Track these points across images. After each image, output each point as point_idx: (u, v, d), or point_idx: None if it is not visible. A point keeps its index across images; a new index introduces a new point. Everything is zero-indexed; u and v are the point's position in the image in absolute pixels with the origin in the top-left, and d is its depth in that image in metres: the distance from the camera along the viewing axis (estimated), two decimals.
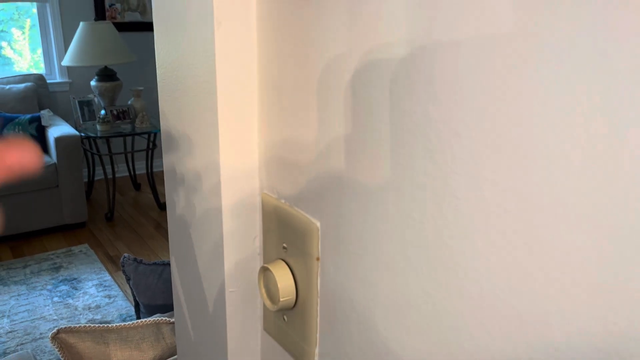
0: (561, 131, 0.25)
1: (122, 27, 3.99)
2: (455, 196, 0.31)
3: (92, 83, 3.64)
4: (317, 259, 0.43)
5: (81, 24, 3.50)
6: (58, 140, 3.41)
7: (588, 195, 0.24)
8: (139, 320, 1.17)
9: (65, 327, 1.11)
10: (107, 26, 3.52)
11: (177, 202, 0.58)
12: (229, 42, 0.45)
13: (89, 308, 2.65)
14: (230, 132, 0.47)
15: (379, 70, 0.34)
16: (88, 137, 3.58)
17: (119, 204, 3.87)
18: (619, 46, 0.22)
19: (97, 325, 1.13)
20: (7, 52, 4.06)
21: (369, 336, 0.40)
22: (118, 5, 4.16)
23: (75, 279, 2.91)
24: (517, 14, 0.26)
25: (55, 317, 2.56)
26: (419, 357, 0.35)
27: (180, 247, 0.60)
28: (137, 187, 4.10)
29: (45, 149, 3.61)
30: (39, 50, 4.12)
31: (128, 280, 1.57)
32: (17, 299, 2.70)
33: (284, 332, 0.49)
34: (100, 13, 4.10)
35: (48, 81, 4.02)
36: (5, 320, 2.53)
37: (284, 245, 0.46)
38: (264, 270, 0.47)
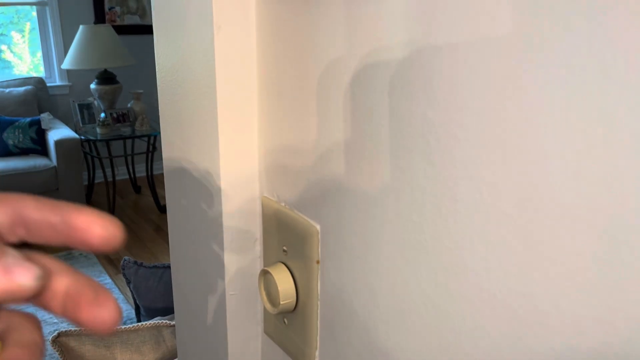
0: (560, 134, 0.25)
1: (121, 30, 4.00)
2: (455, 199, 0.31)
3: (92, 86, 3.64)
4: (317, 262, 0.43)
5: (81, 27, 3.50)
6: (58, 143, 3.42)
7: (587, 198, 0.24)
8: (140, 324, 1.17)
9: (65, 331, 1.11)
10: (106, 29, 3.53)
11: (177, 205, 0.58)
12: (229, 46, 0.45)
13: None
14: (230, 136, 0.47)
15: (378, 74, 0.34)
16: (88, 140, 3.58)
17: (119, 206, 3.87)
18: (616, 49, 0.22)
19: (97, 333, 1.13)
20: (7, 55, 4.07)
21: (370, 339, 0.40)
22: (117, 9, 4.17)
23: None
24: (515, 17, 0.26)
25: (55, 320, 2.56)
26: (420, 359, 0.36)
27: (180, 251, 0.60)
28: (137, 189, 4.10)
29: (45, 152, 3.61)
30: (39, 54, 4.12)
31: (128, 283, 1.57)
32: None
33: (284, 335, 0.49)
34: (99, 16, 4.11)
35: (48, 84, 4.02)
36: None
37: (284, 248, 0.46)
38: (265, 274, 0.47)
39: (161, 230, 3.54)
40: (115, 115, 3.64)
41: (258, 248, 0.51)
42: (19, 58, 4.13)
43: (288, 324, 0.48)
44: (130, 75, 4.02)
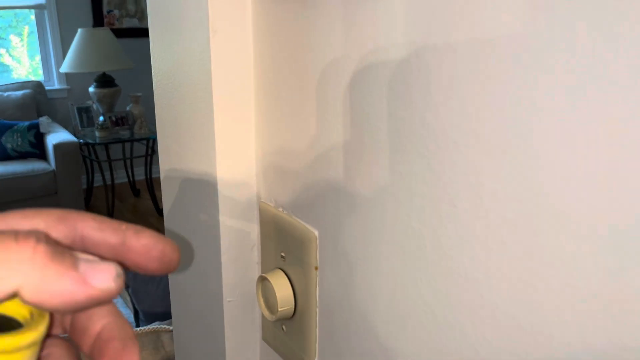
0: (560, 138, 0.24)
1: (120, 33, 3.99)
2: (454, 205, 0.30)
3: (91, 89, 3.64)
4: (316, 268, 0.43)
5: (79, 30, 3.50)
6: (57, 147, 3.41)
7: (589, 203, 0.24)
8: (138, 329, 1.16)
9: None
10: (105, 32, 3.52)
11: (174, 210, 0.57)
12: (225, 50, 0.45)
13: None
14: (227, 140, 0.47)
15: (376, 78, 0.34)
16: (87, 144, 3.58)
17: (118, 210, 3.86)
18: (618, 52, 0.22)
19: None
20: (6, 59, 4.07)
21: (369, 346, 0.39)
22: (116, 12, 4.17)
23: None
24: (515, 21, 0.25)
25: None
26: None
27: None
28: (136, 193, 4.10)
29: (43, 156, 3.61)
30: (37, 57, 4.12)
31: (127, 287, 1.56)
32: None
33: (283, 342, 0.49)
34: (98, 19, 4.11)
35: (46, 88, 4.02)
36: None
37: (282, 254, 0.46)
38: (262, 280, 0.46)
39: (160, 234, 3.52)
40: (114, 118, 3.64)
41: (256, 254, 0.51)
42: (18, 62, 4.13)
43: (286, 331, 0.47)
44: (129, 78, 4.02)
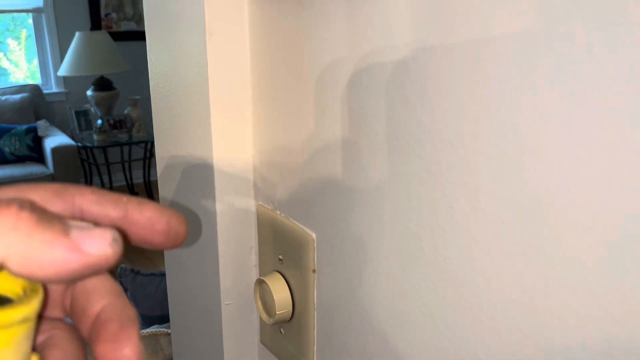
0: (558, 139, 0.24)
1: (118, 36, 3.99)
2: (452, 207, 0.30)
3: (89, 93, 3.63)
4: (314, 270, 0.43)
5: (77, 34, 3.49)
6: (55, 150, 3.40)
7: (587, 204, 0.24)
8: None
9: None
10: (103, 36, 3.52)
11: None
12: (222, 52, 0.44)
13: None
14: (224, 143, 0.47)
15: (372, 79, 0.33)
16: (85, 147, 3.57)
17: None
18: (616, 52, 0.22)
19: None
20: (3, 62, 4.06)
21: (367, 349, 0.39)
22: (114, 15, 4.17)
23: None
24: (511, 22, 0.25)
25: None
26: None
27: (175, 259, 0.59)
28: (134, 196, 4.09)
29: (41, 159, 3.60)
30: (35, 61, 4.12)
31: (125, 291, 1.56)
32: None
33: (281, 345, 0.48)
34: (96, 23, 4.11)
35: (44, 91, 4.01)
36: None
37: (280, 257, 0.46)
38: (260, 283, 0.46)
39: None
40: (112, 121, 3.63)
41: (253, 257, 0.50)
42: (15, 65, 4.12)
43: (285, 334, 0.47)
44: (127, 81, 4.02)
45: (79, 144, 3.55)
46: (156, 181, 0.58)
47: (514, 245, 0.27)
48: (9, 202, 0.16)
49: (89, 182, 3.92)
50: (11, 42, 4.08)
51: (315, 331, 0.44)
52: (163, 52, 0.52)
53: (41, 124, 3.60)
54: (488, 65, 0.26)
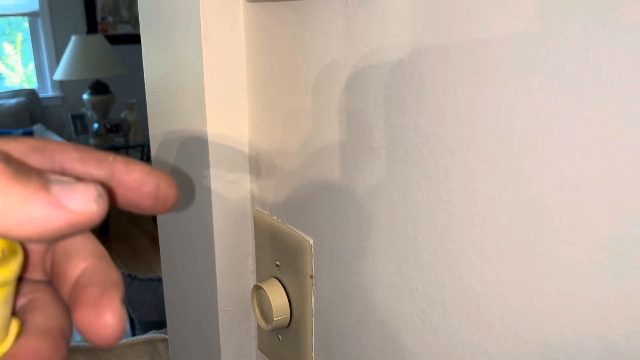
0: (555, 144, 0.24)
1: (114, 39, 3.99)
2: (450, 212, 0.30)
3: (85, 97, 3.63)
4: (311, 276, 0.42)
5: (73, 37, 3.49)
6: None
7: (585, 208, 0.23)
8: (134, 338, 1.15)
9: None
10: (99, 39, 3.52)
11: (168, 219, 0.57)
12: (217, 56, 0.44)
13: None
14: (221, 148, 0.46)
15: (369, 84, 0.33)
16: None
17: (113, 217, 3.84)
18: (612, 53, 0.21)
19: (91, 344, 1.11)
20: None
21: (365, 355, 0.39)
22: (110, 18, 4.17)
23: None
24: (506, 26, 0.25)
25: None
26: None
27: (172, 265, 0.59)
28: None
29: None
30: (31, 65, 4.11)
31: None
32: None
33: (278, 352, 0.48)
34: (92, 26, 4.10)
35: (40, 95, 4.00)
36: None
37: (277, 263, 0.45)
38: (258, 289, 0.46)
39: (156, 241, 3.49)
40: (108, 125, 3.63)
41: (250, 263, 0.50)
42: (11, 69, 4.11)
43: (282, 340, 0.47)
44: (123, 85, 4.01)
45: None
46: None
47: (511, 250, 0.27)
48: None
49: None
50: (7, 46, 4.07)
51: (313, 337, 0.44)
52: (158, 57, 0.52)
53: (37, 129, 3.60)
54: (485, 70, 0.26)
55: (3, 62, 4.08)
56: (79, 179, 0.16)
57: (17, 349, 0.16)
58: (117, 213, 3.92)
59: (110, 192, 0.18)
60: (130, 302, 1.52)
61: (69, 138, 3.71)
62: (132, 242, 3.53)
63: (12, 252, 0.17)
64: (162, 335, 1.16)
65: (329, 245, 0.40)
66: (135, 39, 4.21)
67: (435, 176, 0.30)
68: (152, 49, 0.52)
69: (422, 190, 0.31)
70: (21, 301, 0.18)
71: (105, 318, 0.16)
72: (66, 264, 0.18)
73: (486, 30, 0.26)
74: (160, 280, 1.50)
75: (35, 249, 0.19)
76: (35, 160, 0.17)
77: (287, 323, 0.45)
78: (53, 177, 0.15)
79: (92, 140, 3.54)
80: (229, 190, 0.48)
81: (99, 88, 3.60)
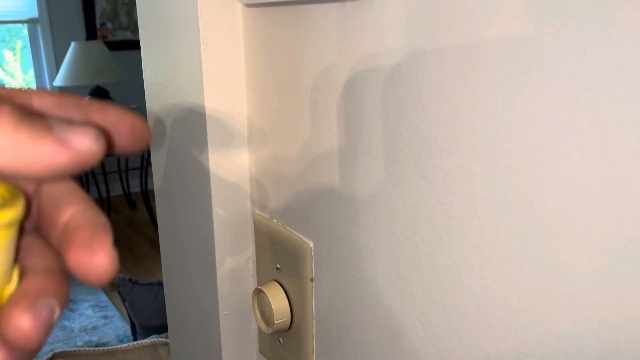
0: (553, 145, 0.24)
1: (113, 46, 4.00)
2: (448, 215, 0.30)
3: None
4: (311, 279, 0.42)
5: (72, 44, 3.50)
6: None
7: (584, 211, 0.24)
8: (135, 342, 1.16)
9: (60, 352, 1.09)
10: (98, 45, 3.53)
11: (168, 224, 0.57)
12: (216, 62, 0.44)
13: (85, 330, 2.61)
14: (220, 152, 0.46)
15: (367, 87, 0.34)
16: None
17: (114, 222, 3.84)
18: (608, 55, 0.22)
19: (92, 349, 1.12)
20: None
21: (366, 357, 0.39)
22: (109, 24, 4.18)
23: (71, 300, 2.87)
24: (504, 29, 0.25)
25: (50, 340, 2.53)
26: None
27: (173, 269, 0.59)
28: (132, 205, 4.08)
29: None
30: (31, 72, 4.11)
31: (123, 301, 1.55)
32: None
33: (280, 355, 0.48)
34: (91, 33, 4.11)
35: None
36: None
37: (278, 266, 0.46)
38: (258, 293, 0.46)
39: (157, 246, 3.50)
40: None
41: (251, 266, 0.50)
42: (11, 76, 4.12)
43: (283, 343, 0.47)
44: (123, 90, 4.02)
45: None
46: (153, 189, 0.58)
47: (510, 252, 0.27)
48: None
49: (86, 191, 3.90)
50: (6, 53, 4.08)
51: (313, 340, 0.44)
52: (158, 62, 0.52)
53: None
54: (481, 72, 0.27)
55: (3, 69, 4.09)
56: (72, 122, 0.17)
57: (25, 286, 0.17)
58: (117, 218, 3.92)
59: None
60: (131, 307, 1.52)
61: None
62: (133, 247, 3.53)
63: (13, 196, 0.17)
64: (164, 340, 1.16)
65: (329, 248, 0.40)
66: (134, 45, 4.22)
67: (433, 179, 0.30)
68: (152, 55, 0.53)
69: (421, 192, 0.31)
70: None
71: (99, 258, 0.17)
72: (54, 210, 0.19)
73: (482, 33, 0.26)
74: (161, 284, 1.50)
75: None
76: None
77: (288, 326, 0.45)
78: (52, 121, 0.16)
79: None
80: (229, 194, 0.48)
81: (99, 94, 3.60)
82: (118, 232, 3.71)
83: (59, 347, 2.37)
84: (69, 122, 0.16)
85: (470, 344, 0.30)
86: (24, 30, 4.06)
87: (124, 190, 4.03)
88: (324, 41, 0.36)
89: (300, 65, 0.39)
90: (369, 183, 0.35)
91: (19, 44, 4.11)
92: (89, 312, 2.77)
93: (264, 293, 0.45)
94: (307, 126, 0.40)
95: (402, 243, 0.34)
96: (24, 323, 0.16)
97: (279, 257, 0.45)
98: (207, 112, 0.45)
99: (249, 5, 0.43)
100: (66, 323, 2.67)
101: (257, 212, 0.48)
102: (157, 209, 0.58)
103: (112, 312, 2.75)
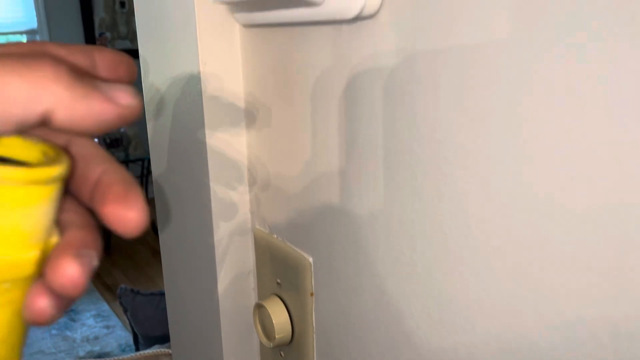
0: (545, 167, 0.25)
1: None
2: (444, 233, 0.31)
3: None
4: (312, 294, 0.43)
5: None
6: None
7: (576, 232, 0.24)
8: (138, 353, 1.16)
9: None
10: None
11: (169, 235, 0.58)
12: (216, 80, 0.45)
13: (88, 339, 2.61)
14: (220, 168, 0.47)
15: (364, 106, 0.34)
16: None
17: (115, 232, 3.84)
18: (605, 55, 0.22)
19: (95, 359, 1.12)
20: None
21: None
22: (108, 34, 4.20)
23: (72, 309, 2.87)
24: (497, 53, 0.26)
25: (53, 350, 2.53)
26: None
27: (175, 284, 0.59)
28: None
29: None
30: None
31: (125, 311, 1.56)
32: None
33: None
34: (90, 42, 4.13)
35: None
36: None
37: (278, 280, 0.46)
38: (259, 307, 0.46)
39: (158, 254, 3.50)
40: (108, 140, 3.64)
41: (252, 280, 0.51)
42: None
43: (285, 356, 0.48)
44: None
45: None
46: (154, 198, 0.59)
47: (503, 270, 0.28)
48: (39, 55, 0.17)
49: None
50: None
51: (315, 354, 0.44)
52: (157, 75, 0.53)
53: None
54: (474, 95, 0.27)
55: None
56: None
57: (68, 238, 0.20)
58: None
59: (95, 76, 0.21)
60: (133, 317, 1.52)
61: None
62: (134, 256, 3.53)
63: (58, 154, 0.19)
64: (167, 350, 1.17)
65: (329, 264, 0.41)
66: (133, 54, 4.21)
67: (428, 198, 0.31)
68: (151, 68, 0.53)
69: (417, 211, 0.32)
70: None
71: (134, 211, 0.19)
72: (85, 168, 0.21)
73: (474, 58, 0.27)
74: (162, 294, 1.51)
75: None
76: None
77: (289, 340, 0.46)
78: (96, 80, 0.18)
79: None
80: (229, 208, 0.49)
81: None
82: (119, 240, 3.71)
83: (62, 358, 2.36)
84: (106, 81, 0.18)
85: (467, 358, 0.31)
86: (24, 40, 4.07)
87: None
88: (320, 62, 0.37)
89: (297, 85, 0.40)
90: (367, 200, 0.36)
91: None
92: (90, 321, 2.77)
93: (265, 308, 0.45)
94: (306, 145, 0.40)
95: (398, 259, 0.34)
96: (71, 270, 0.18)
97: (279, 271, 0.46)
98: (207, 127, 0.46)
99: (246, 26, 0.44)
100: (68, 333, 2.67)
101: (257, 227, 0.49)
102: (158, 222, 0.59)
103: (114, 321, 2.75)
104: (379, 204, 0.35)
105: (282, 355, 0.48)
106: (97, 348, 2.54)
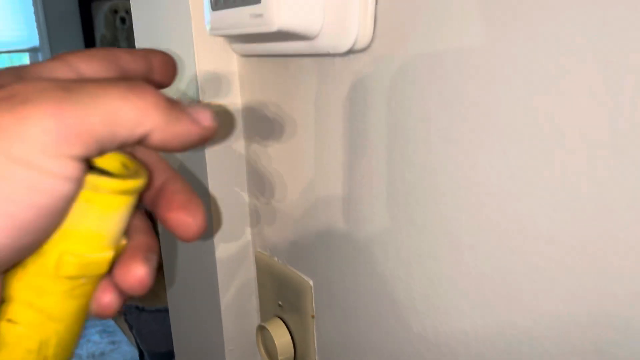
0: (533, 196, 0.26)
1: None
2: (437, 259, 0.32)
3: None
4: (313, 316, 0.44)
5: None
6: None
7: (560, 260, 0.25)
8: None
9: None
10: None
11: (172, 258, 0.59)
12: (214, 103, 0.46)
13: (94, 356, 2.62)
14: (221, 190, 0.48)
15: (359, 138, 0.35)
16: None
17: None
18: (601, 55, 0.23)
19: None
20: None
21: None
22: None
23: None
24: (484, 88, 0.27)
25: None
26: None
27: (178, 304, 0.60)
28: None
29: None
30: None
31: (131, 328, 1.56)
32: None
33: None
34: None
35: None
36: None
37: (280, 302, 0.47)
38: (261, 329, 0.47)
39: (161, 267, 3.51)
40: None
41: (254, 302, 0.52)
42: None
43: None
44: None
45: None
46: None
47: (495, 297, 0.29)
48: (140, 83, 0.19)
49: None
50: None
51: None
52: None
53: None
54: (462, 127, 0.28)
55: None
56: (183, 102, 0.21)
57: (136, 242, 0.22)
58: None
59: (150, 77, 0.23)
60: (138, 334, 1.53)
61: None
62: None
63: (137, 167, 0.21)
64: None
65: (329, 287, 0.42)
66: None
67: (421, 224, 0.32)
68: None
69: (412, 237, 0.33)
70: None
71: (196, 219, 0.22)
72: (149, 175, 0.22)
73: (464, 91, 0.28)
74: (167, 311, 1.51)
75: None
76: (109, 68, 0.21)
77: None
78: (182, 104, 0.20)
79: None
80: (231, 231, 0.50)
81: None
82: None
83: None
84: (189, 104, 0.20)
85: None
86: (26, 58, 4.11)
87: None
88: (314, 92, 0.38)
89: (294, 114, 0.41)
90: (365, 226, 0.37)
91: None
92: (96, 337, 2.77)
93: (267, 330, 0.46)
94: (305, 171, 0.41)
95: (395, 284, 0.35)
96: (140, 272, 0.20)
97: (280, 294, 0.47)
98: (207, 153, 0.47)
99: (243, 56, 0.45)
100: None
101: (258, 249, 0.50)
102: (160, 242, 0.60)
103: (120, 337, 2.75)
104: (376, 229, 0.36)
105: None
106: None
